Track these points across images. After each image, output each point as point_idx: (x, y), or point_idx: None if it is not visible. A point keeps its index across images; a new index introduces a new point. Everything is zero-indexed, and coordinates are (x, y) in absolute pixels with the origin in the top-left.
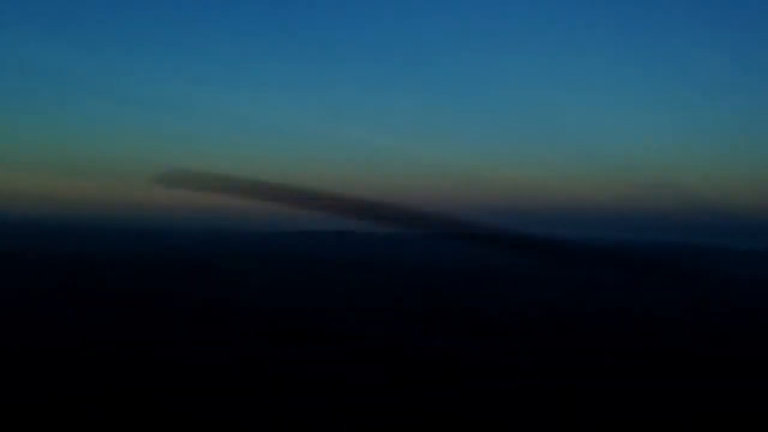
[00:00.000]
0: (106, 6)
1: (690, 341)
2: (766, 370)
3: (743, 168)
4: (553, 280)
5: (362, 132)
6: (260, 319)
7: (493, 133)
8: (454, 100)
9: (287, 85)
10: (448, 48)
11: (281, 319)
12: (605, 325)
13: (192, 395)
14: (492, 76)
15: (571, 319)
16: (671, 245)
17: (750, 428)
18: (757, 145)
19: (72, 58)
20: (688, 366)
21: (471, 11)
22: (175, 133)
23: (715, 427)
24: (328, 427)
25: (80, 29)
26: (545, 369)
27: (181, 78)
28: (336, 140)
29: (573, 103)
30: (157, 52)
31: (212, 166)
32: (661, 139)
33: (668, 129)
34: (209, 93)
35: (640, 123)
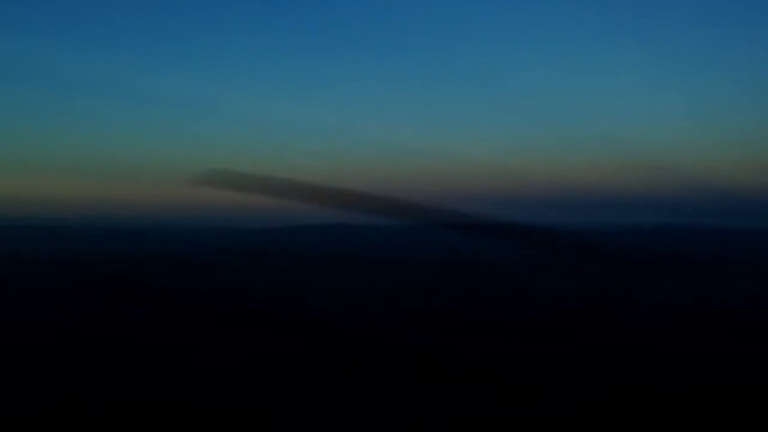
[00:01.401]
0: (116, 5)
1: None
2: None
3: (742, 147)
4: (555, 270)
5: (375, 126)
6: (260, 314)
7: (494, 121)
8: (454, 91)
9: (300, 81)
10: (442, 39)
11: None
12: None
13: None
14: (491, 64)
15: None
16: (672, 227)
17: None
18: (755, 124)
19: (78, 59)
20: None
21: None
22: (189, 132)
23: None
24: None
25: (87, 30)
26: (553, 364)
27: (190, 76)
28: (350, 135)
29: (571, 87)
30: (166, 51)
31: (227, 164)
32: (659, 121)
33: (667, 110)
34: (220, 90)
35: (641, 106)
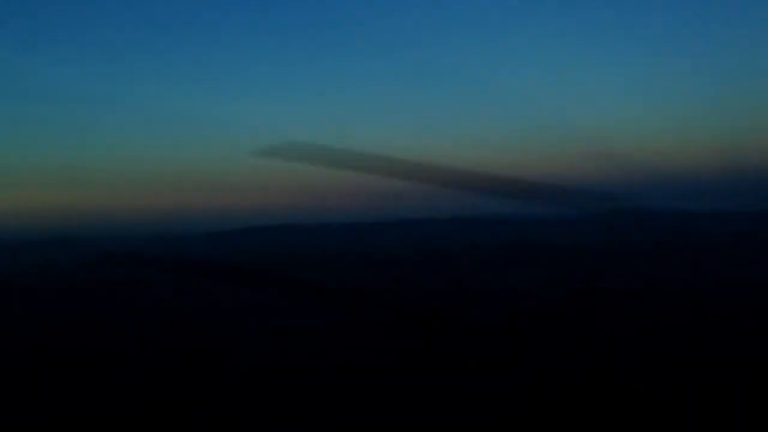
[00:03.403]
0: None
1: None
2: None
3: (687, 131)
4: None
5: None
6: None
7: (441, 114)
8: (411, 86)
9: (286, 89)
10: (404, 38)
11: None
12: None
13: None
14: (447, 60)
15: None
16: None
17: None
18: (699, 109)
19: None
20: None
21: None
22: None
23: None
24: None
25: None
26: None
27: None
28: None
29: (519, 77)
30: (147, 59)
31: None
32: (606, 109)
33: (614, 98)
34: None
35: (587, 93)
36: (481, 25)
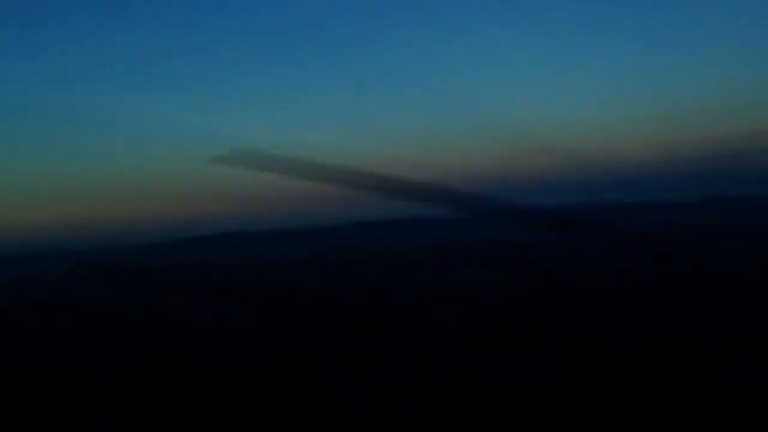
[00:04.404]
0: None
1: None
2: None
3: (626, 125)
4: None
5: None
6: None
7: (383, 112)
8: (363, 89)
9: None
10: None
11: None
12: None
13: None
14: (402, 61)
15: None
16: (570, 206)
17: None
18: (638, 104)
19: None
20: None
21: None
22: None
23: None
24: None
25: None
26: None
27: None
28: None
29: (462, 73)
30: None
31: None
32: (548, 104)
33: (566, 97)
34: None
35: (529, 88)
36: (430, 25)
